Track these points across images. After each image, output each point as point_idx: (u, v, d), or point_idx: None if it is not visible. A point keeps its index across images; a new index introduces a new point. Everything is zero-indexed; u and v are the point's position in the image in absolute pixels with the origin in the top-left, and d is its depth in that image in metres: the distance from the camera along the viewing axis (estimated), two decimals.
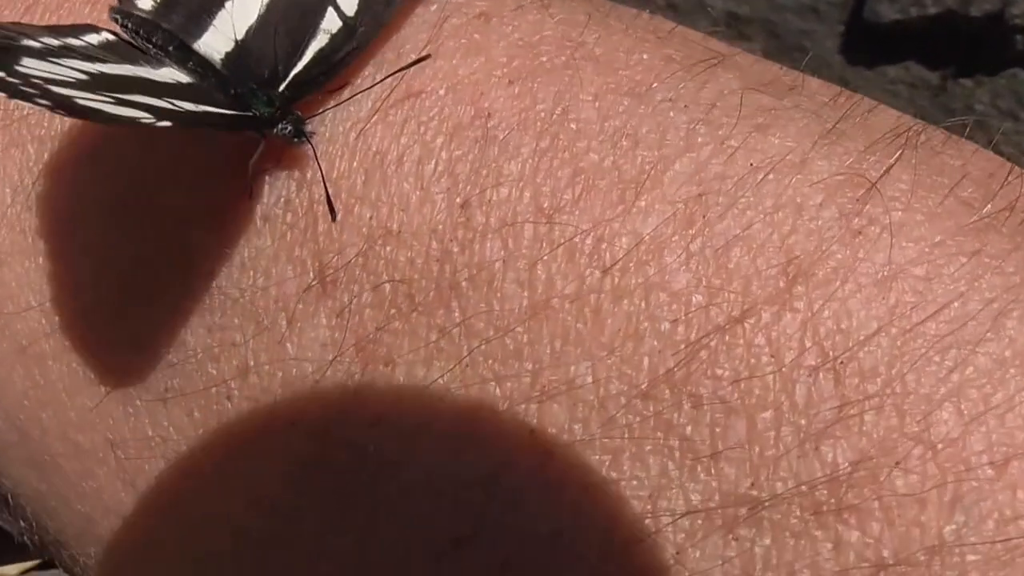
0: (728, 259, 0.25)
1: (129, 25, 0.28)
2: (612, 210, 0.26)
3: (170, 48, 0.28)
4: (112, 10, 0.29)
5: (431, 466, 0.26)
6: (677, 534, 0.24)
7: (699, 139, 0.27)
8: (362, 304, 0.27)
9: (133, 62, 0.28)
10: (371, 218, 0.27)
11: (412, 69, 0.28)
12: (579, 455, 0.25)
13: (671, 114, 0.27)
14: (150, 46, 0.28)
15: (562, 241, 0.26)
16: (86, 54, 0.27)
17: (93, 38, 0.28)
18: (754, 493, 0.24)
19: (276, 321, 0.28)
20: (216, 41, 0.28)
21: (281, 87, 0.28)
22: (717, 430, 0.24)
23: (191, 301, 0.29)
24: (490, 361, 0.26)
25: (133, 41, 0.28)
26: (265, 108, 0.27)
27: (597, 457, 0.25)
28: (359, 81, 0.29)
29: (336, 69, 0.28)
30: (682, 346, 0.25)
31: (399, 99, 0.28)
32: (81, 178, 0.30)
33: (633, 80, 0.28)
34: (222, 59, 0.28)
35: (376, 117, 0.28)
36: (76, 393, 0.31)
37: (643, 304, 0.26)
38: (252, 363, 0.29)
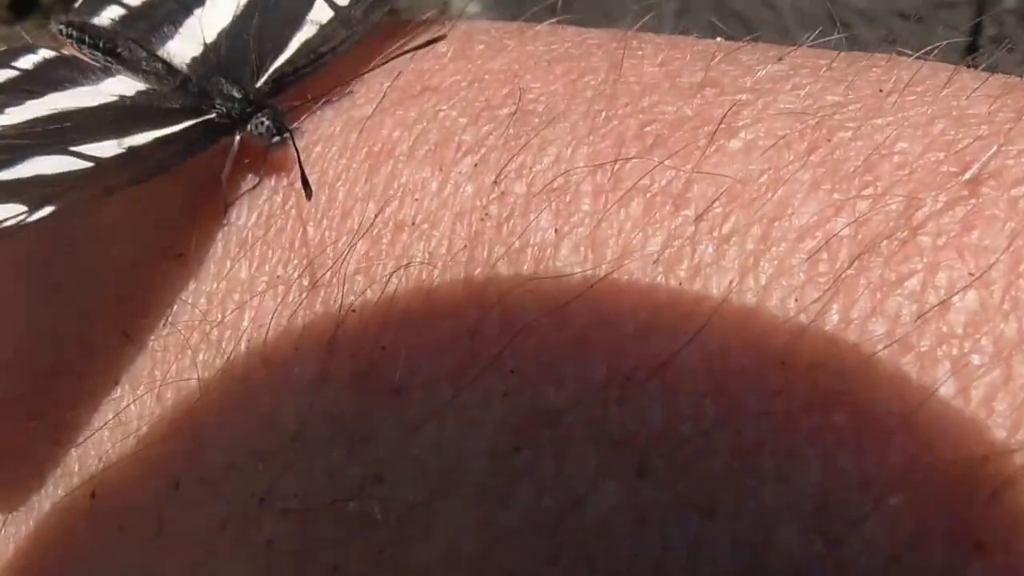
0: (876, 174, 0.18)
1: (80, 37, 0.24)
2: (699, 152, 0.19)
3: (124, 54, 0.23)
4: (60, 21, 0.25)
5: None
6: None
7: (801, 79, 0.21)
8: (361, 320, 0.20)
9: (63, 86, 0.23)
10: (376, 215, 0.21)
11: (429, 67, 0.23)
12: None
13: (763, 67, 0.21)
14: (100, 55, 0.24)
15: (634, 193, 0.19)
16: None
17: (29, 60, 0.23)
18: None
19: (249, 366, 0.20)
20: (182, 47, 0.24)
21: (259, 82, 0.23)
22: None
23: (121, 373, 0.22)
24: (542, 358, 0.18)
25: (80, 53, 0.24)
26: (237, 104, 0.22)
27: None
28: (359, 85, 0.24)
29: (322, 61, 0.23)
30: (825, 280, 0.17)
31: (413, 94, 0.22)
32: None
33: (707, 51, 0.23)
34: (188, 63, 0.24)
35: (382, 113, 0.22)
36: None
37: (762, 245, 0.18)
38: (209, 436, 0.20)
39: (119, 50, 0.23)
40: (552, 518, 0.17)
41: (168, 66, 0.23)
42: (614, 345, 0.17)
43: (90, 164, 0.20)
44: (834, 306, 0.17)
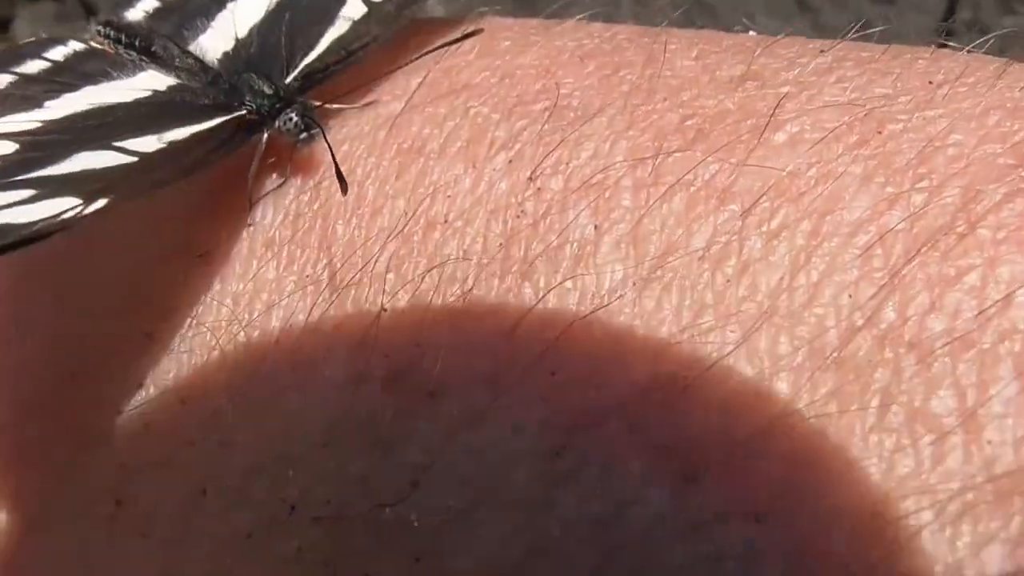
0: (930, 166, 0.17)
1: (118, 37, 0.24)
2: (742, 146, 0.19)
3: (158, 52, 0.23)
4: (98, 21, 0.24)
5: None
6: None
7: (846, 71, 0.20)
8: (395, 320, 0.19)
9: (96, 80, 0.23)
10: (407, 213, 0.20)
11: (456, 64, 0.23)
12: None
13: (805, 60, 0.21)
14: (133, 53, 0.23)
15: (677, 188, 0.18)
16: (28, 96, 0.23)
17: (59, 52, 0.23)
18: None
19: (278, 369, 0.20)
20: (214, 41, 0.23)
21: (289, 78, 0.22)
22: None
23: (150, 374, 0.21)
24: (583, 359, 0.17)
25: (110, 50, 0.23)
26: (266, 100, 0.22)
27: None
28: (386, 84, 0.23)
29: (354, 58, 0.22)
30: (880, 275, 0.16)
31: (442, 92, 0.22)
32: None
33: (743, 46, 0.22)
34: (219, 58, 0.23)
35: (411, 111, 0.21)
36: None
37: (813, 240, 0.17)
38: (237, 440, 0.20)
39: (154, 49, 0.23)
40: (595, 527, 0.16)
41: (200, 63, 0.23)
42: (659, 346, 0.17)
43: (135, 158, 0.20)
44: (890, 303, 0.16)
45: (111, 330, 0.22)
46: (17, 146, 0.21)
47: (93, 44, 0.24)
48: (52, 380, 0.22)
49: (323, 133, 0.22)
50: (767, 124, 0.19)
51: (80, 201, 0.18)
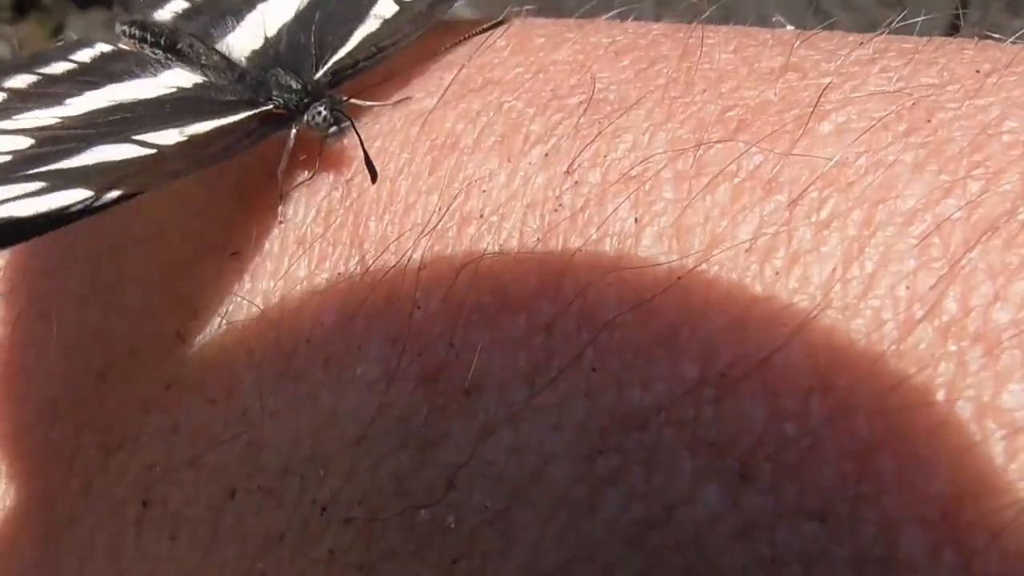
0: (985, 154, 0.16)
1: (143, 36, 0.23)
2: (787, 136, 0.18)
3: (184, 50, 0.22)
4: (123, 22, 0.23)
5: None
6: None
7: (889, 62, 0.19)
8: (429, 315, 0.18)
9: (120, 79, 0.22)
10: (441, 209, 0.19)
11: (489, 60, 0.22)
12: None
13: (845, 51, 0.20)
14: (160, 52, 0.22)
15: (720, 179, 0.17)
16: (49, 94, 0.22)
17: (86, 54, 0.22)
18: None
19: (308, 367, 0.19)
20: (242, 40, 0.22)
21: (318, 74, 0.21)
22: None
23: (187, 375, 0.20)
24: (626, 356, 0.16)
25: (136, 48, 0.23)
26: (294, 95, 0.21)
27: None
28: (418, 80, 0.22)
29: (384, 54, 0.21)
30: (939, 265, 0.15)
31: (475, 88, 0.21)
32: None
33: (781, 39, 0.21)
34: (247, 56, 0.22)
35: (444, 107, 0.21)
36: None
37: (866, 230, 0.16)
38: (266, 439, 0.19)
39: (179, 46, 0.22)
40: (642, 528, 0.15)
41: (227, 60, 0.22)
42: (706, 341, 0.16)
43: (152, 151, 0.19)
44: (951, 293, 0.15)
45: (141, 329, 0.21)
46: (32, 141, 0.20)
47: (121, 46, 0.23)
48: (80, 379, 0.21)
49: (353, 126, 0.21)
50: (811, 114, 0.17)
51: (91, 193, 0.18)
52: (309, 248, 0.20)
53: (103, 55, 0.22)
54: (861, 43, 0.20)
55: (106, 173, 0.18)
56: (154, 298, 0.21)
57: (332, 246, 0.20)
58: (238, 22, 0.23)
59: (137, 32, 0.23)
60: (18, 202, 0.18)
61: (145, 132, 0.19)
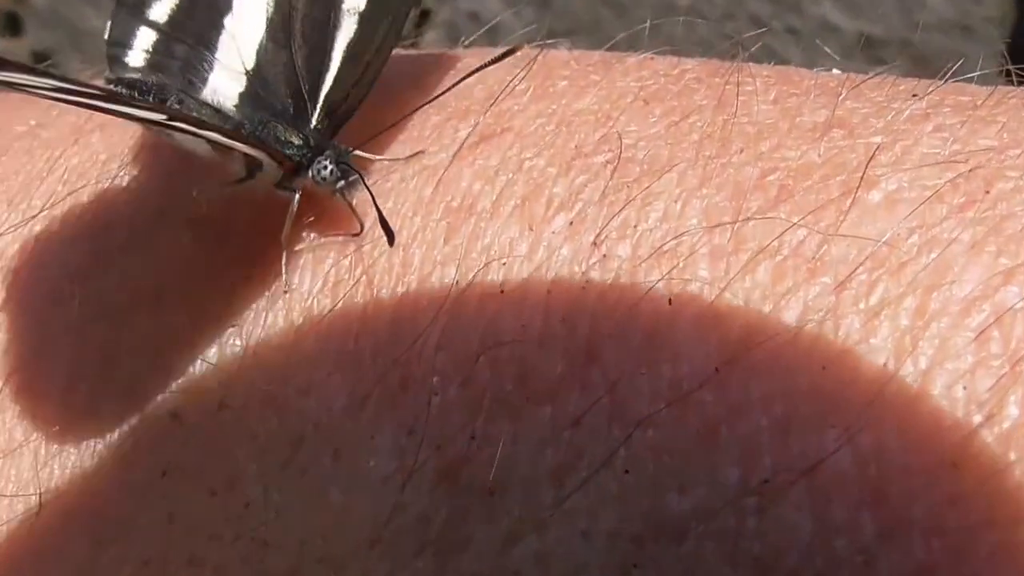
0: None
1: (128, 92, 0.23)
2: (833, 207, 0.18)
3: (168, 104, 0.22)
4: (109, 80, 0.23)
5: None
6: None
7: (944, 119, 0.19)
8: (446, 405, 0.18)
9: None
10: (458, 282, 0.19)
11: (508, 108, 0.22)
12: None
13: (897, 104, 0.20)
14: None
15: (761, 257, 0.18)
16: None
17: None
18: None
19: (317, 458, 0.19)
20: (225, 80, 0.22)
21: (313, 117, 0.22)
22: None
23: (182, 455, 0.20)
24: (662, 457, 0.17)
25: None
26: (295, 151, 0.21)
27: None
28: (430, 131, 0.22)
29: (372, 71, 0.22)
30: (999, 363, 0.15)
31: (492, 139, 0.21)
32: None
33: (826, 86, 0.21)
34: (237, 103, 0.22)
35: (459, 162, 0.21)
36: None
37: (919, 320, 0.16)
38: (272, 539, 0.19)
39: (169, 104, 0.22)
40: None
41: (218, 112, 0.22)
42: (748, 442, 0.16)
43: None
44: (1012, 396, 0.15)
45: (132, 408, 0.21)
46: None
47: None
48: None
49: (362, 180, 0.21)
50: (860, 180, 0.18)
51: None
52: (316, 323, 0.20)
53: None
54: (914, 94, 0.20)
55: None
56: (146, 372, 0.21)
57: (341, 321, 0.20)
58: (213, 55, 0.23)
59: (125, 90, 0.23)
60: None
61: None
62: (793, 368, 0.16)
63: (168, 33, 0.23)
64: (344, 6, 0.22)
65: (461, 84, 0.22)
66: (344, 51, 0.22)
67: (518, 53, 0.22)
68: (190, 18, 0.23)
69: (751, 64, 0.22)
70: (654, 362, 0.17)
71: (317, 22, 0.22)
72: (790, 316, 0.16)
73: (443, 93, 0.22)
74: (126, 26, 0.23)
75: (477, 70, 0.22)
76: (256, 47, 0.23)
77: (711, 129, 0.20)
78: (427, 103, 0.22)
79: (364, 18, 0.22)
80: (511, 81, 0.22)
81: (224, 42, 0.23)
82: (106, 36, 0.24)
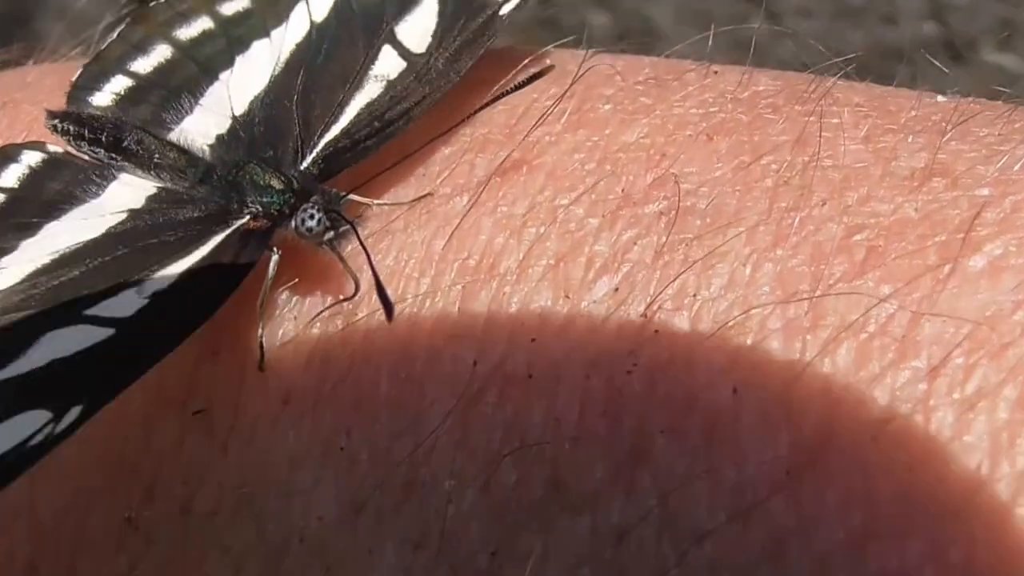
0: None
1: (79, 133, 0.28)
2: (929, 276, 0.22)
3: (131, 147, 0.28)
4: (54, 115, 0.29)
5: None
6: None
7: None
8: (465, 512, 0.23)
9: (58, 211, 0.27)
10: (476, 364, 0.24)
11: (538, 139, 0.27)
12: None
13: (1007, 147, 0.24)
14: (102, 151, 0.28)
15: (844, 336, 0.22)
16: None
17: (11, 175, 0.28)
18: None
19: None
20: (204, 123, 0.28)
21: (305, 162, 0.27)
22: None
23: None
24: None
25: (76, 150, 0.28)
26: (276, 198, 0.26)
27: None
28: (440, 166, 0.27)
29: (392, 130, 0.27)
30: None
31: (518, 178, 0.26)
32: None
33: (928, 120, 0.26)
34: (212, 144, 0.28)
35: (477, 209, 0.26)
36: None
37: (1020, 414, 0.21)
38: None
39: (125, 144, 0.28)
40: None
41: (185, 154, 0.28)
42: (821, 561, 0.20)
43: (111, 330, 0.24)
44: None
45: (82, 513, 0.26)
46: None
47: (50, 148, 0.28)
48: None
49: (356, 232, 0.26)
50: (962, 245, 0.23)
51: (49, 415, 0.22)
52: (298, 414, 0.25)
53: (33, 171, 0.28)
54: None
55: (60, 378, 0.23)
56: (96, 471, 0.26)
57: (330, 411, 0.25)
58: (196, 100, 0.29)
59: (72, 128, 0.28)
60: None
61: (96, 302, 0.24)
62: (875, 470, 0.21)
63: (149, 81, 0.29)
64: (372, 71, 0.28)
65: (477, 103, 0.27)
66: (361, 110, 0.28)
67: (545, 70, 0.27)
68: (179, 71, 0.29)
69: (841, 84, 0.27)
70: (715, 465, 0.22)
71: (332, 83, 0.28)
72: (875, 407, 0.21)
73: (459, 124, 0.27)
74: (100, 73, 0.29)
75: (500, 96, 0.27)
76: (251, 97, 0.28)
77: (789, 174, 0.25)
78: (440, 135, 0.27)
79: (393, 83, 0.28)
80: (541, 103, 0.27)
81: (215, 90, 0.29)
82: (72, 80, 0.30)
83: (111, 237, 0.27)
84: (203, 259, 0.26)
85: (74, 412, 0.22)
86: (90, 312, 0.24)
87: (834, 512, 0.21)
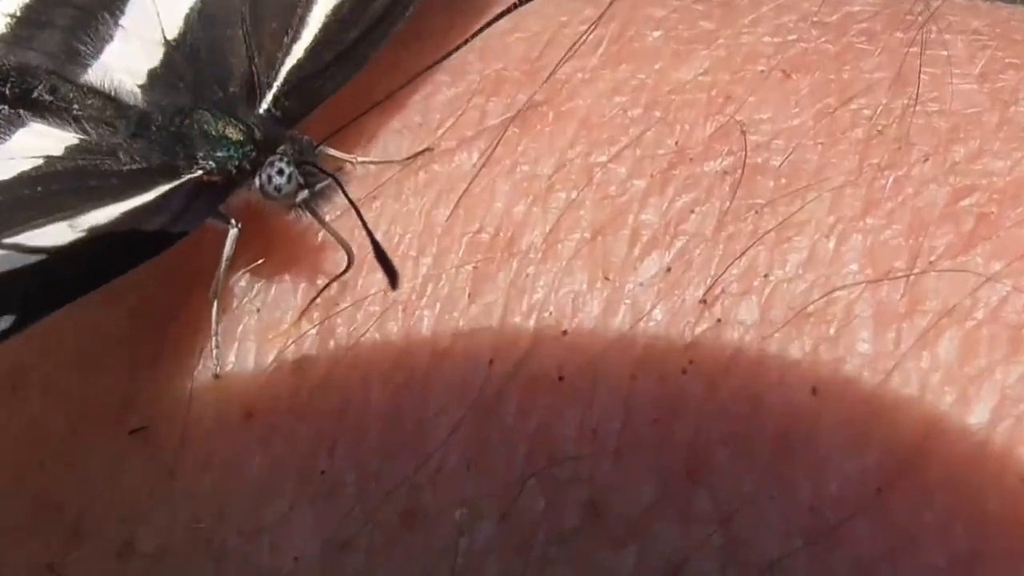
0: None
1: None
2: None
3: (42, 96, 0.31)
4: None
5: None
6: None
7: None
8: (481, 546, 0.26)
9: None
10: (492, 362, 0.27)
11: (567, 76, 0.29)
12: None
13: None
14: (3, 106, 0.31)
15: (946, 323, 0.25)
16: None
17: None
18: None
19: None
20: (129, 55, 0.31)
21: (266, 101, 0.29)
22: None
23: None
24: None
25: None
26: (233, 150, 0.29)
27: None
28: (442, 110, 0.29)
29: (375, 38, 0.29)
30: None
31: (541, 127, 0.29)
32: None
33: None
34: (143, 84, 0.30)
35: (491, 168, 0.28)
36: None
37: None
38: None
39: (35, 95, 0.31)
40: None
41: (112, 102, 0.30)
42: None
43: (40, 257, 0.26)
44: None
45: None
46: None
47: None
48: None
49: (339, 185, 0.28)
50: None
51: None
52: (266, 429, 0.28)
53: None
54: None
55: None
56: (8, 508, 0.29)
57: (306, 427, 0.28)
58: (115, 19, 0.31)
59: None
60: None
61: (18, 230, 0.27)
62: (982, 484, 0.24)
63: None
64: None
65: (489, 29, 0.29)
66: (326, 17, 0.30)
67: None
68: None
69: (957, 1, 0.30)
70: (789, 481, 0.25)
71: None
72: (982, 409, 0.24)
73: (461, 46, 0.29)
74: None
75: (511, 9, 0.29)
76: (185, 10, 0.31)
77: (884, 122, 0.28)
78: (435, 64, 0.29)
79: None
80: (572, 28, 0.30)
81: (134, 6, 0.31)
82: None
83: (24, 179, 0.29)
84: (147, 203, 0.28)
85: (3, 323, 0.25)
86: (10, 239, 0.27)
87: (933, 534, 0.24)
